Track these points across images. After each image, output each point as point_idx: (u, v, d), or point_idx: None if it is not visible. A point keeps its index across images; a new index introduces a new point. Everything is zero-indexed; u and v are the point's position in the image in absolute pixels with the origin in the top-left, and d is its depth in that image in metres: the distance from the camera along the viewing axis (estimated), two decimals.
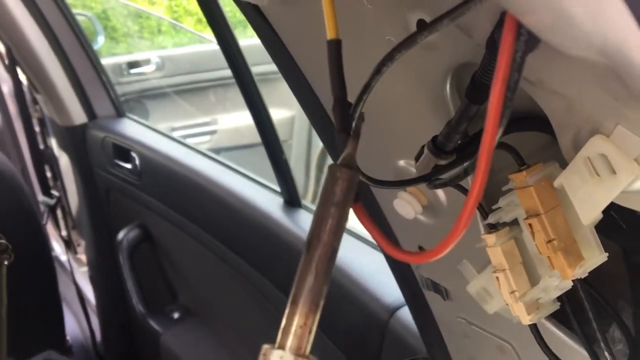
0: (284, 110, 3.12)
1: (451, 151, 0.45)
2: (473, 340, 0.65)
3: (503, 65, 0.29)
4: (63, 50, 1.97)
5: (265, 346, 0.35)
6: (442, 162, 0.45)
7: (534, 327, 0.54)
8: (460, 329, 0.66)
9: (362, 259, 1.05)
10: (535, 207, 0.44)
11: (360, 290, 0.97)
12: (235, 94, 3.59)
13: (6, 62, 2.22)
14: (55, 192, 2.33)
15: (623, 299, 0.57)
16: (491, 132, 0.30)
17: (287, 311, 0.36)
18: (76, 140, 2.04)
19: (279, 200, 1.31)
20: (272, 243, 1.22)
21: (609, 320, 0.56)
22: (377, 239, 0.36)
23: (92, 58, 2.02)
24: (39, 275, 2.14)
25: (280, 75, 0.68)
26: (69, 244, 2.82)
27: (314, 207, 1.27)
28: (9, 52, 2.08)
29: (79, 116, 2.04)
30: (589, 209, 0.41)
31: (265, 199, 1.33)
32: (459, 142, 0.47)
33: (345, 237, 1.16)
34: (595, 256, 0.44)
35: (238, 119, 3.33)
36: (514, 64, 0.30)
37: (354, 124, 0.37)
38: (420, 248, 0.66)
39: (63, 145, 2.25)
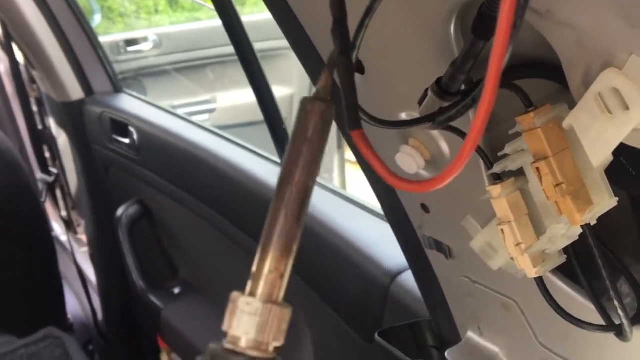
0: (283, 87, 3.10)
1: (456, 93, 0.43)
2: (476, 299, 0.64)
3: None
4: (59, 25, 1.94)
5: (235, 293, 0.33)
6: (447, 104, 0.43)
7: (539, 281, 0.53)
8: (463, 289, 0.65)
9: (363, 226, 1.04)
10: (543, 149, 0.42)
11: (360, 256, 0.96)
12: (234, 72, 3.58)
13: (2, 38, 2.19)
14: (53, 170, 2.32)
15: (631, 254, 0.55)
16: (502, 40, 0.27)
17: (257, 257, 0.34)
18: (73, 116, 2.02)
19: (279, 171, 1.29)
20: None
21: (617, 275, 0.55)
22: (377, 168, 0.34)
23: (89, 33, 1.99)
24: (38, 253, 2.14)
25: (279, 52, 0.66)
26: (69, 225, 2.82)
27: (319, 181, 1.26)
28: (5, 27, 2.05)
29: (76, 92, 2.01)
30: (599, 149, 0.40)
31: (265, 171, 1.31)
32: (463, 86, 0.45)
33: (347, 205, 1.16)
34: (604, 201, 0.43)
35: (237, 97, 3.31)
36: None
37: (333, 54, 0.35)
38: (423, 206, 0.64)
39: (61, 122, 2.23)
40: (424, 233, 0.67)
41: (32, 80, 2.39)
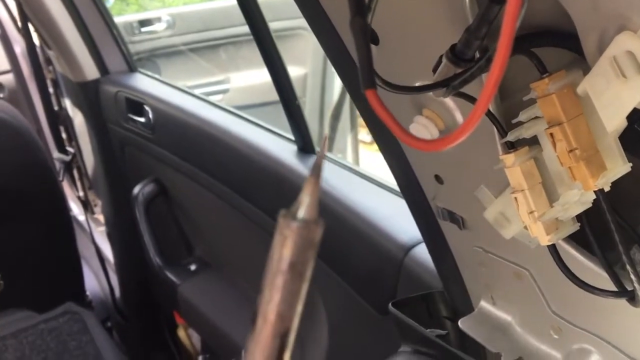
0: (297, 67, 3.09)
1: (470, 60, 0.43)
2: (489, 269, 0.65)
3: None
4: (75, 5, 1.95)
5: None
6: (460, 70, 0.43)
7: (552, 248, 0.53)
8: (476, 259, 0.66)
9: (377, 202, 1.05)
10: (558, 115, 0.43)
11: (374, 231, 0.97)
12: (247, 52, 3.57)
13: (18, 20, 2.20)
14: (70, 149, 2.35)
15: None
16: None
17: None
18: (89, 95, 2.04)
19: (293, 147, 1.30)
20: (287, 189, 1.22)
21: (630, 243, 0.56)
22: (391, 126, 0.35)
23: (104, 14, 2.00)
24: (57, 231, 2.17)
25: (293, 32, 0.66)
26: (86, 205, 2.86)
27: (330, 156, 1.27)
28: (21, 8, 2.06)
29: (91, 72, 2.03)
30: (613, 113, 0.40)
31: (279, 147, 1.32)
32: (478, 54, 0.46)
33: (361, 181, 1.16)
34: (618, 166, 0.43)
35: (250, 77, 3.31)
36: None
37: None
38: (437, 177, 0.65)
39: (76, 102, 2.25)
40: (438, 204, 0.67)
41: (48, 62, 2.41)
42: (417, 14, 0.50)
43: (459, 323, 0.68)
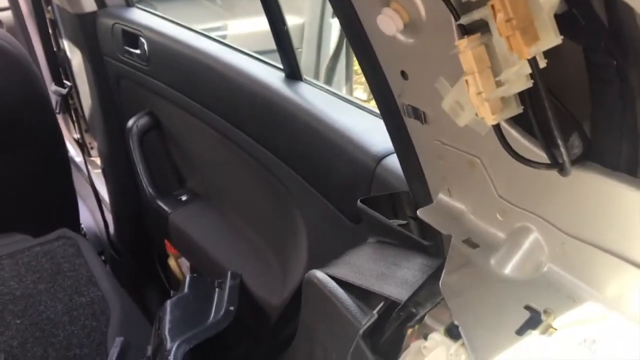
0: (294, 17, 3.10)
1: None
2: (446, 160, 0.71)
3: None
4: None
5: None
6: None
7: (497, 129, 0.59)
8: (435, 152, 0.72)
9: (355, 120, 1.10)
10: None
11: (348, 143, 1.03)
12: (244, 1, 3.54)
13: None
14: (67, 82, 2.38)
15: (583, 111, 0.61)
16: None
17: None
18: (86, 27, 2.06)
19: (281, 74, 1.35)
20: (275, 113, 1.27)
21: (570, 130, 0.61)
22: None
23: None
24: (54, 161, 2.23)
25: None
26: (82, 147, 2.90)
27: (314, 81, 1.31)
28: None
29: (89, 4, 2.05)
30: None
31: (269, 73, 1.37)
32: None
33: (338, 102, 1.22)
34: (550, 38, 0.49)
35: (247, 25, 3.32)
36: None
37: None
38: (402, 73, 0.70)
39: (74, 36, 2.27)
40: (403, 102, 0.73)
41: (47, 2, 2.42)
42: None
43: (418, 212, 0.74)
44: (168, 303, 1.49)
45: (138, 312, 1.87)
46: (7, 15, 3.60)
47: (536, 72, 0.50)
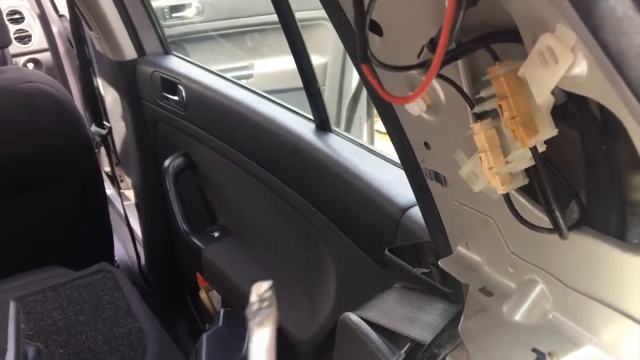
0: (318, 56, 3.25)
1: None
2: (464, 218, 0.82)
3: None
4: None
5: None
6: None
7: (507, 197, 0.70)
8: (454, 211, 0.83)
9: (382, 171, 1.21)
10: (504, 92, 0.59)
11: (377, 195, 1.14)
12: (271, 40, 3.71)
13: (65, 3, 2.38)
14: (107, 124, 2.54)
15: (581, 181, 0.71)
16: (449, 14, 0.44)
17: None
18: (127, 74, 2.22)
19: (311, 125, 1.47)
20: (306, 162, 1.39)
21: (569, 198, 0.72)
22: (377, 89, 0.51)
23: None
24: (91, 198, 2.37)
25: (315, 22, 0.81)
26: (112, 179, 3.05)
27: (343, 133, 1.43)
28: None
29: (130, 52, 2.21)
30: (541, 90, 0.56)
31: (300, 124, 1.49)
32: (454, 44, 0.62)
33: (370, 156, 1.33)
34: (547, 130, 0.60)
35: (272, 65, 3.47)
36: None
37: None
38: (425, 144, 0.81)
39: (114, 80, 2.44)
40: (426, 166, 0.84)
41: (84, 43, 2.59)
42: (408, 14, 0.66)
43: (439, 262, 0.84)
44: (204, 336, 1.60)
45: (172, 344, 1.97)
46: (46, 57, 3.82)
47: (536, 157, 0.61)
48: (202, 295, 2.21)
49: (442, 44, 0.46)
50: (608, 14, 0.34)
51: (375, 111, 3.41)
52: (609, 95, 0.49)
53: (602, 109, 0.62)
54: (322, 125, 1.44)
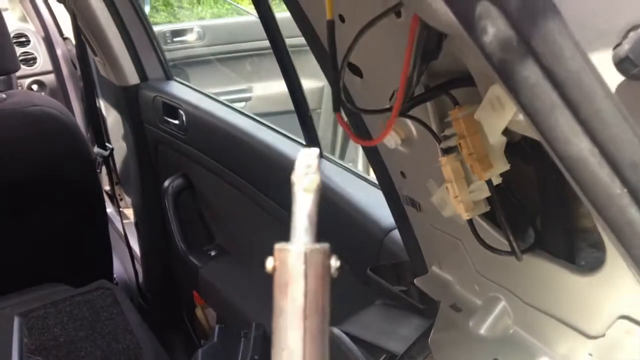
0: (314, 81, 3.35)
1: (411, 95, 0.69)
2: (437, 241, 0.90)
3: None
4: (121, 17, 2.23)
5: None
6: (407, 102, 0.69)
7: (470, 222, 0.78)
8: (429, 233, 0.91)
9: (367, 195, 1.30)
10: (463, 132, 0.68)
11: (360, 215, 1.23)
12: (269, 64, 3.83)
13: (71, 27, 2.48)
14: (109, 145, 2.62)
15: (535, 209, 0.80)
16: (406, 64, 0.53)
17: None
18: (130, 98, 2.31)
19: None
20: None
21: (526, 224, 0.80)
22: (350, 134, 0.60)
23: (145, 24, 2.28)
24: (93, 217, 2.45)
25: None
26: (112, 198, 3.13)
27: (333, 158, 1.52)
28: (75, 20, 2.34)
29: (132, 77, 2.31)
30: (493, 131, 0.65)
31: (292, 149, 1.58)
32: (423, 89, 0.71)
33: (356, 180, 1.42)
34: (500, 165, 0.69)
35: (271, 88, 3.58)
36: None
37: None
38: (402, 173, 0.90)
39: (116, 104, 2.53)
40: (403, 193, 0.93)
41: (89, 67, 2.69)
42: (383, 61, 0.75)
43: (415, 281, 0.93)
44: (200, 352, 1.67)
45: (167, 359, 2.04)
46: (50, 78, 3.92)
47: (491, 189, 0.70)
48: (198, 312, 2.28)
49: (399, 97, 0.55)
50: (524, 82, 0.43)
51: None
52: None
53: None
54: None
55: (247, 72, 3.76)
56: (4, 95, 2.14)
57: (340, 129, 3.26)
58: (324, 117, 3.38)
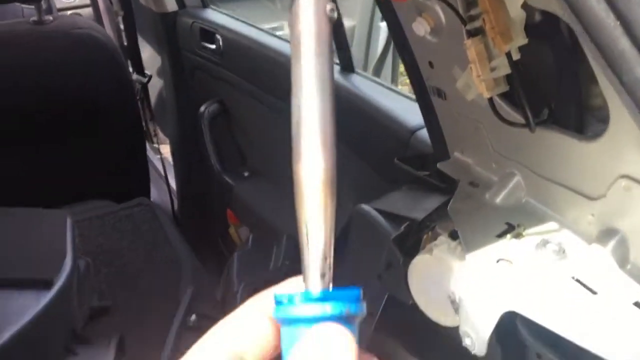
0: (346, 20, 3.39)
1: None
2: (460, 127, 0.99)
3: None
4: None
5: None
6: None
7: (491, 101, 0.86)
8: (453, 120, 1.00)
9: (395, 103, 1.39)
10: (487, 7, 0.76)
11: (389, 120, 1.32)
12: None
13: None
14: (147, 72, 2.73)
15: (553, 92, 0.88)
16: None
17: None
18: (168, 25, 2.40)
19: (337, 67, 1.64)
20: None
21: (540, 102, 0.88)
22: None
23: None
24: (133, 139, 2.59)
25: None
26: (146, 134, 3.26)
27: (365, 74, 1.60)
28: None
29: (171, 5, 2.39)
30: (514, 5, 0.73)
31: None
32: None
33: (384, 90, 1.50)
34: (519, 39, 0.76)
35: None
36: None
37: None
38: (430, 63, 0.98)
39: (155, 31, 2.63)
40: (430, 84, 1.01)
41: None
42: None
43: (438, 165, 1.02)
44: (235, 255, 1.80)
45: (203, 269, 2.19)
46: (87, 12, 4.02)
47: (511, 63, 0.78)
48: (232, 231, 2.41)
49: None
50: None
51: (400, 74, 3.55)
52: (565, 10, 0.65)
53: (570, 29, 0.78)
54: (347, 67, 1.61)
55: (278, 10, 3.80)
56: (50, 18, 2.25)
57: (371, 66, 3.31)
58: (355, 56, 3.43)
